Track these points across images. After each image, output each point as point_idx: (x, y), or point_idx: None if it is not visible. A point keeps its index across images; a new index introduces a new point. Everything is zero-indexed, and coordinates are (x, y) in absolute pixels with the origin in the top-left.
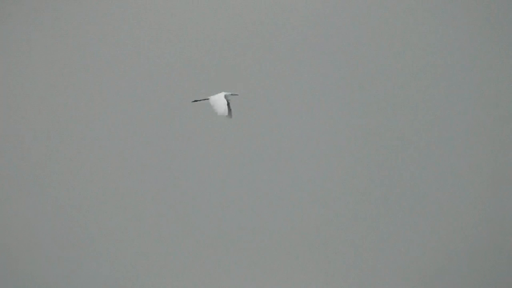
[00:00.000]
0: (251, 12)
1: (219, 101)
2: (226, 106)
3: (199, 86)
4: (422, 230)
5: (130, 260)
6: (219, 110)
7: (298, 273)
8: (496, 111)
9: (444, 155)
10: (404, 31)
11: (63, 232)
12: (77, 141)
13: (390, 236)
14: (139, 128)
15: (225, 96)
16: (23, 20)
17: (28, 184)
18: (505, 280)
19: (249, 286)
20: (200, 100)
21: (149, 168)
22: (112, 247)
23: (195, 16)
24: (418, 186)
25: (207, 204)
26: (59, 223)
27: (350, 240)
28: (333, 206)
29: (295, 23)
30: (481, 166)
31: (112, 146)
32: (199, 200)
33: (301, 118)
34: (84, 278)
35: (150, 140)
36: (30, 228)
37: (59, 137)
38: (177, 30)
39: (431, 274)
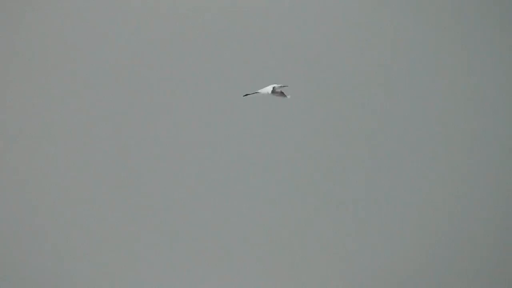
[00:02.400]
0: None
1: (265, 89)
2: (271, 90)
3: (197, 87)
4: (422, 231)
5: (126, 260)
6: (264, 91)
7: (294, 273)
8: (495, 114)
9: (441, 157)
10: (404, 33)
11: (60, 229)
12: (69, 142)
13: (389, 236)
14: (136, 128)
15: (275, 89)
16: (23, 20)
17: (18, 184)
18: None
19: (247, 285)
20: (251, 94)
21: (146, 169)
22: (108, 247)
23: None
24: (416, 188)
25: (204, 205)
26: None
27: (349, 240)
28: (331, 208)
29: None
30: (478, 167)
31: (108, 146)
32: (195, 201)
33: (301, 119)
34: (83, 278)
35: (146, 141)
36: (24, 226)
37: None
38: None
39: (429, 274)
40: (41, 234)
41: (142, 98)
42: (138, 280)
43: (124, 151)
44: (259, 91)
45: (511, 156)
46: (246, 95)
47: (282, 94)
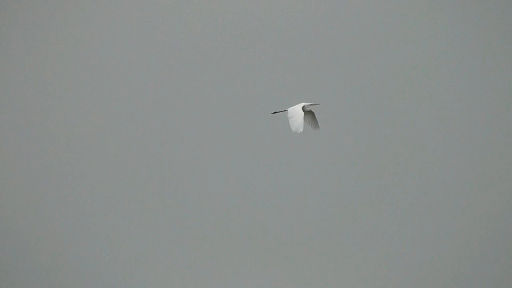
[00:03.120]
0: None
1: (296, 116)
2: (302, 122)
3: (199, 87)
4: (422, 232)
5: (130, 259)
6: (294, 126)
7: (297, 273)
8: (495, 113)
9: (442, 156)
10: (406, 33)
11: (65, 230)
12: (74, 141)
13: (390, 237)
14: (139, 129)
15: (304, 107)
16: (25, 20)
17: (28, 183)
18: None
19: (248, 286)
20: (279, 111)
21: (149, 169)
22: (112, 247)
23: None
24: (417, 188)
25: (207, 205)
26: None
27: (351, 240)
28: (333, 207)
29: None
30: (480, 167)
31: (113, 147)
32: (199, 201)
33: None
34: (84, 278)
35: (150, 142)
36: (30, 226)
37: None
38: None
39: (431, 274)
40: (56, 235)
41: (160, 99)
42: (148, 280)
43: (136, 151)
44: (288, 109)
45: None
46: (275, 112)
47: (311, 112)
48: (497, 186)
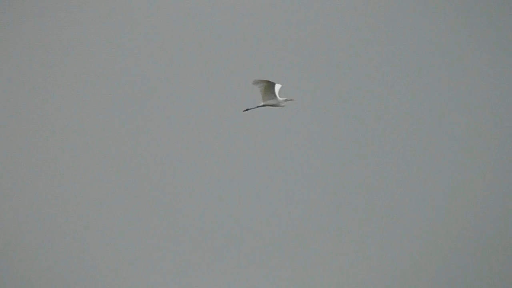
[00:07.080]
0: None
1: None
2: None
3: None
4: (421, 232)
5: (128, 259)
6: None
7: (294, 273)
8: (496, 112)
9: (441, 156)
10: (406, 32)
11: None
12: (71, 142)
13: (390, 237)
14: (138, 129)
15: (279, 103)
16: (26, 21)
17: (27, 184)
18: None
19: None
20: (252, 108)
21: (147, 169)
22: (111, 246)
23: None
24: (417, 188)
25: (205, 204)
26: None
27: (349, 240)
28: (331, 206)
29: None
30: (480, 167)
31: (110, 147)
32: (197, 200)
33: (300, 119)
34: (84, 277)
35: (148, 141)
36: (29, 227)
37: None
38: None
39: (429, 274)
40: (46, 235)
41: (152, 98)
42: (143, 281)
43: (130, 152)
44: (262, 104)
45: None
46: (247, 110)
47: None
48: (496, 186)
